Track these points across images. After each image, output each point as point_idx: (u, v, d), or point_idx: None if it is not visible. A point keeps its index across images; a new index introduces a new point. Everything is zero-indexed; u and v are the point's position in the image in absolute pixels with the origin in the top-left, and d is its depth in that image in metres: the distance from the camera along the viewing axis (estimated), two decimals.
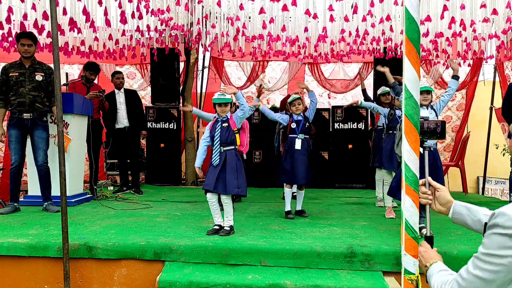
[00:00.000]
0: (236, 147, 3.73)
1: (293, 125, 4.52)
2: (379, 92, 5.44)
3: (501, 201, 6.23)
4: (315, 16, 5.85)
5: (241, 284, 3.00)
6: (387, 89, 5.17)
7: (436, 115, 3.78)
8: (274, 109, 5.25)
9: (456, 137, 8.19)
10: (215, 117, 3.79)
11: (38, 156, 4.63)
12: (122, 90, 6.28)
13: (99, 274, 3.32)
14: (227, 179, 3.61)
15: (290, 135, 4.54)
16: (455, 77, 3.79)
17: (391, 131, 4.71)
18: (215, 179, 3.59)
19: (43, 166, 4.66)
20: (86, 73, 5.94)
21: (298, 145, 4.45)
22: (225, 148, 3.68)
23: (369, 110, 7.03)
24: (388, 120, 4.78)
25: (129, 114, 6.18)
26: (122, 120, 6.18)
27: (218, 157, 3.65)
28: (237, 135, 3.72)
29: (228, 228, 3.65)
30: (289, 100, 4.65)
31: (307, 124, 4.54)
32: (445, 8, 5.73)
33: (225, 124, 3.70)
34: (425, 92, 3.65)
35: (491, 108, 7.84)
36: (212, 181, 3.59)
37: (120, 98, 6.22)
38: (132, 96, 6.32)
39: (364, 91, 5.80)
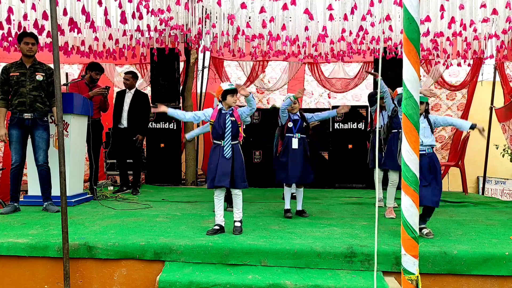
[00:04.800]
0: (239, 140, 3.79)
1: (290, 124, 4.53)
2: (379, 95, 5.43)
3: (501, 201, 6.22)
4: (311, 18, 5.84)
5: (241, 284, 3.00)
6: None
7: (430, 126, 3.77)
8: (274, 109, 5.26)
9: (456, 137, 8.19)
10: (220, 108, 3.78)
11: (38, 156, 4.63)
12: (132, 90, 6.23)
13: (99, 274, 3.32)
14: (235, 174, 3.66)
15: (287, 134, 4.55)
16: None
17: (395, 130, 4.69)
18: (229, 174, 3.62)
19: (44, 166, 4.66)
20: (92, 73, 5.96)
21: (295, 144, 4.46)
22: (232, 142, 3.71)
23: (369, 110, 7.03)
24: (389, 117, 4.77)
25: (130, 115, 6.15)
26: (123, 121, 6.17)
27: (230, 149, 3.68)
28: (240, 129, 3.79)
29: (240, 224, 3.70)
30: (284, 99, 4.67)
31: (304, 124, 4.55)
32: (442, 8, 5.72)
33: (233, 118, 3.73)
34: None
35: (491, 108, 7.83)
36: (225, 177, 3.61)
37: (127, 98, 6.20)
38: (139, 98, 6.23)
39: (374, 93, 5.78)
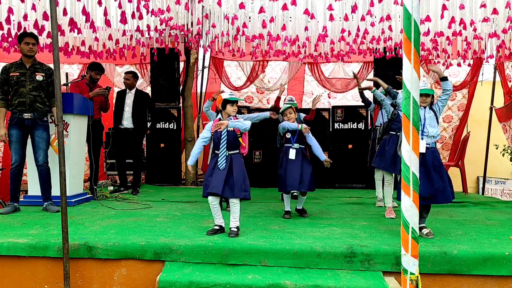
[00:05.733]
0: (240, 150, 3.75)
1: (288, 135, 4.53)
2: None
3: (501, 201, 6.22)
4: (312, 17, 5.85)
5: (241, 284, 3.00)
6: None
7: (436, 116, 3.79)
8: (274, 109, 5.26)
9: (456, 137, 8.19)
10: (219, 118, 3.78)
11: (38, 156, 4.63)
12: (133, 90, 6.21)
13: (99, 274, 3.32)
14: (234, 183, 3.62)
15: (285, 144, 4.55)
16: (443, 78, 3.79)
17: (393, 132, 4.67)
18: (223, 182, 3.59)
19: (44, 166, 4.66)
20: (92, 73, 5.96)
21: (292, 155, 4.46)
22: (230, 152, 3.68)
23: (369, 110, 7.02)
24: (389, 120, 4.76)
25: (134, 115, 6.13)
26: (124, 121, 6.15)
27: (225, 161, 3.64)
28: (240, 139, 3.74)
29: (236, 230, 3.64)
30: (281, 110, 4.68)
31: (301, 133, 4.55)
32: (444, 7, 5.73)
33: (230, 129, 3.70)
34: (424, 94, 3.68)
35: (491, 108, 7.83)
36: (219, 185, 3.58)
37: (128, 99, 6.18)
38: (141, 98, 6.23)
39: (361, 93, 5.69)
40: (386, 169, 4.65)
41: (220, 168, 3.63)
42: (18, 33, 4.90)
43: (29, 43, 4.56)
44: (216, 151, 3.71)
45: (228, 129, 3.68)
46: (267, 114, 4.80)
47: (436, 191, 3.64)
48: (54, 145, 4.67)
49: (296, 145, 4.49)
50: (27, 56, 4.58)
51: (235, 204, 3.69)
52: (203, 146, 3.84)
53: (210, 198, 3.67)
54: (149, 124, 6.60)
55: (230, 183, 3.62)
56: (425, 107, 3.76)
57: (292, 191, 4.84)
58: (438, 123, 3.82)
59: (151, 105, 6.46)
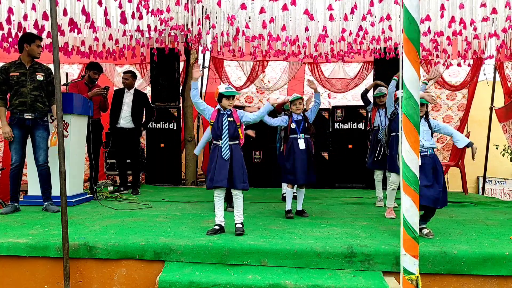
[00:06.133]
0: (239, 141, 3.78)
1: (293, 125, 4.52)
2: (374, 94, 5.45)
3: (501, 201, 6.22)
4: (312, 18, 5.84)
5: (241, 284, 3.00)
6: (383, 91, 5.21)
7: (430, 129, 3.76)
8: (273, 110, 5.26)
9: None
10: (217, 108, 3.79)
11: (39, 156, 4.63)
12: (132, 90, 6.19)
13: (99, 274, 3.32)
14: (234, 174, 3.66)
15: (291, 136, 4.55)
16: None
17: (394, 133, 4.65)
18: (227, 174, 3.62)
19: (44, 166, 4.66)
20: (90, 72, 5.95)
21: (302, 145, 4.46)
22: (231, 143, 3.70)
23: (367, 111, 7.03)
24: (389, 120, 4.75)
25: (133, 115, 6.12)
26: (121, 120, 6.14)
27: (228, 151, 3.67)
28: (239, 130, 3.77)
29: (241, 225, 3.68)
30: (290, 98, 4.67)
31: (306, 124, 4.55)
32: (442, 7, 5.72)
33: (231, 119, 3.72)
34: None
35: (491, 108, 7.83)
36: (223, 177, 3.62)
37: (126, 98, 6.17)
38: (140, 98, 6.22)
39: (366, 92, 5.73)
40: (398, 171, 4.63)
41: (225, 158, 3.65)
42: (20, 33, 4.89)
43: (40, 46, 4.61)
44: (216, 142, 3.75)
45: (229, 119, 3.71)
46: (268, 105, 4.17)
47: (429, 192, 3.63)
48: (53, 140, 4.65)
49: (302, 135, 4.50)
50: (34, 57, 4.59)
51: (239, 197, 3.73)
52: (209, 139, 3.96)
53: (216, 190, 3.72)
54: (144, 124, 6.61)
55: (230, 174, 3.65)
56: (419, 118, 3.71)
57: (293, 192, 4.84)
58: (432, 137, 3.78)
59: (150, 105, 6.48)
